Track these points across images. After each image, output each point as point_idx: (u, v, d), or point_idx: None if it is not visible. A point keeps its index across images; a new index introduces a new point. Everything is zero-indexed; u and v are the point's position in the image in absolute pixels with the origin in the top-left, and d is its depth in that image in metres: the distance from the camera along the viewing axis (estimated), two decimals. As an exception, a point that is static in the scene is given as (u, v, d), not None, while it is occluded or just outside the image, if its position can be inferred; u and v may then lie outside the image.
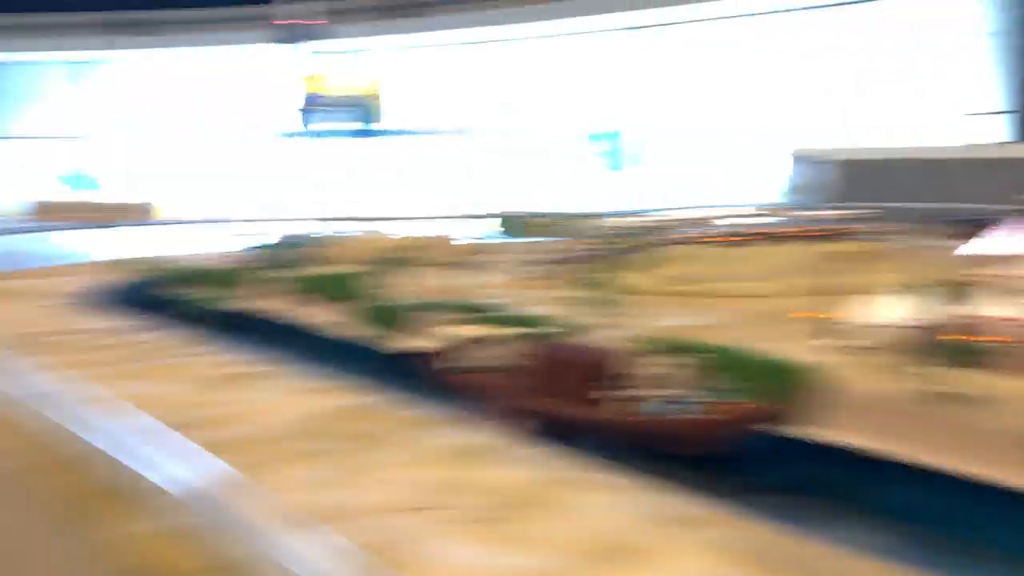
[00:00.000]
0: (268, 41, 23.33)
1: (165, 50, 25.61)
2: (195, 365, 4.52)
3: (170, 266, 7.38)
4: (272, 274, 6.99)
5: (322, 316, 6.09)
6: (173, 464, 1.62)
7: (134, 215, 24.12)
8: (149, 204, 25.08)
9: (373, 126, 24.77)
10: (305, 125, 24.32)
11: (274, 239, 9.95)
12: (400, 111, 25.29)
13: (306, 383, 4.16)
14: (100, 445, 1.80)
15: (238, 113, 26.49)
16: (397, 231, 10.23)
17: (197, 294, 6.61)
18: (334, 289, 6.39)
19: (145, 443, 1.73)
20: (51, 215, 23.64)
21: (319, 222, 15.31)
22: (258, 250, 9.34)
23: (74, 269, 8.83)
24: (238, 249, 9.49)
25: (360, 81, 25.16)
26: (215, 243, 11.77)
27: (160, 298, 7.06)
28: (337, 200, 22.83)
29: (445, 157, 25.05)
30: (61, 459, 1.88)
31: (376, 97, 24.90)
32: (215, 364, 4.64)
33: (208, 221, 21.16)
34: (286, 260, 7.94)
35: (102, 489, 1.71)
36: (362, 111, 24.51)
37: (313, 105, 23.96)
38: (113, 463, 1.66)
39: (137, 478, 1.62)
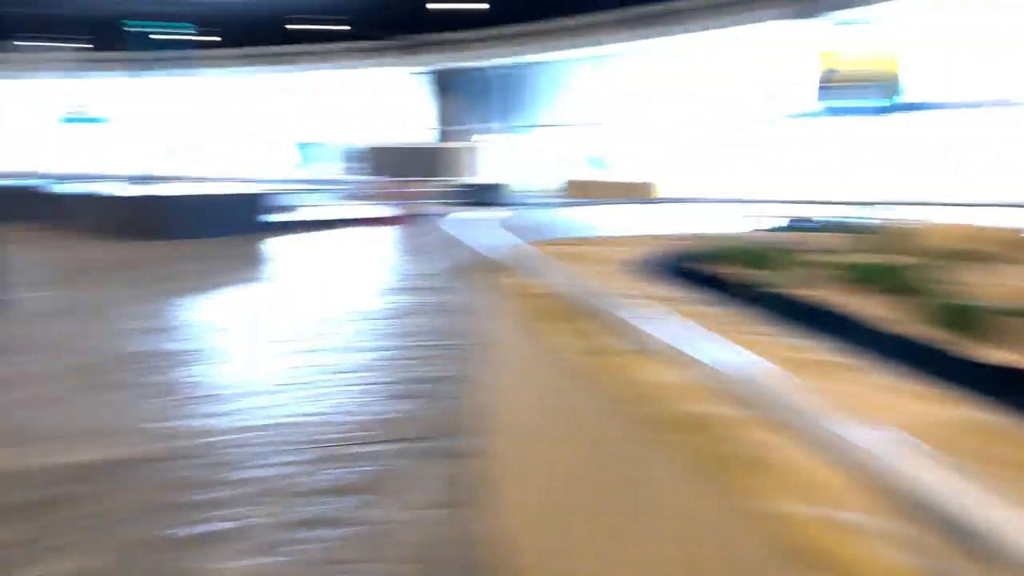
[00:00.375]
0: (786, 17, 22.65)
1: (684, 36, 26.68)
2: (766, 346, 4.34)
3: (699, 243, 7.50)
4: (810, 258, 6.58)
5: (876, 309, 5.40)
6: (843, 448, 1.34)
7: (640, 193, 26.34)
8: (652, 183, 27.10)
9: (897, 100, 22.27)
10: (822, 102, 23.10)
11: (801, 221, 9.52)
12: (929, 81, 22.19)
13: (895, 383, 3.62)
14: (764, 411, 1.60)
15: (752, 92, 26.47)
16: (950, 219, 8.82)
17: (734, 273, 6.53)
18: (891, 281, 5.64)
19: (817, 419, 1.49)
20: (578, 192, 27.38)
21: (842, 206, 14.28)
22: (784, 231, 9.02)
23: (613, 240, 9.65)
24: (758, 229, 9.30)
25: (881, 51, 22.80)
26: (726, 222, 11.78)
27: (698, 273, 7.20)
28: (860, 182, 21.16)
29: (990, 134, 21.05)
30: (706, 418, 1.76)
31: (899, 67, 22.29)
32: (785, 347, 4.39)
33: (714, 200, 21.80)
34: (823, 245, 7.46)
35: (751, 457, 1.51)
36: (884, 84, 22.20)
37: (830, 81, 22.57)
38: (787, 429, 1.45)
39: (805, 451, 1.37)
